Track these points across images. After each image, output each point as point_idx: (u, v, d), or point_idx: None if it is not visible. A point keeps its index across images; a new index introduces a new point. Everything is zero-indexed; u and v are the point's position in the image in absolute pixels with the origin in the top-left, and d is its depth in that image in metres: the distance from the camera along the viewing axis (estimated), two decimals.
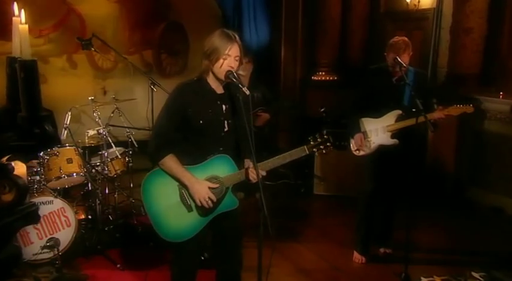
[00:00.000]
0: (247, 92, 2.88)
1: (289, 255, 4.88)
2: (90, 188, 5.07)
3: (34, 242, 4.43)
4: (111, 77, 8.03)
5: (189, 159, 3.02)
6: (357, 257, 4.74)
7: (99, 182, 5.23)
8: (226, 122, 3.06)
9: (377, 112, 4.52)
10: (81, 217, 5.21)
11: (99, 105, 5.21)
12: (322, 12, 8.10)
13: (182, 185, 3.00)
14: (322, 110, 6.91)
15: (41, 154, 4.74)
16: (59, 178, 4.78)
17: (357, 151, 4.62)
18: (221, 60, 2.92)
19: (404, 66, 4.24)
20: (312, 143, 3.13)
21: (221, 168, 3.04)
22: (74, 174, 4.85)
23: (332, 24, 8.06)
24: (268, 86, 6.56)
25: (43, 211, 4.45)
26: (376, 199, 4.63)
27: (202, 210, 3.02)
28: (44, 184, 4.64)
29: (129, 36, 8.19)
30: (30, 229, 4.41)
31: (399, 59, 4.24)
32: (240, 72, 6.12)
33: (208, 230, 3.21)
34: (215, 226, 3.18)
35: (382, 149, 4.51)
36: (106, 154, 5.09)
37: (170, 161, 2.98)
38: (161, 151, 2.99)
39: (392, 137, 4.48)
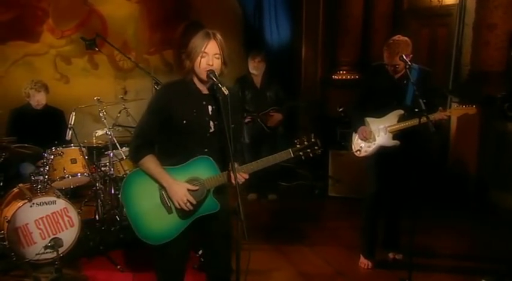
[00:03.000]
0: (226, 92, 2.79)
1: (293, 258, 4.78)
2: (98, 188, 5.08)
3: (37, 242, 4.46)
4: (132, 77, 8.06)
5: (174, 160, 2.96)
6: (363, 262, 4.60)
7: (107, 183, 5.25)
8: (211, 122, 2.97)
9: (379, 111, 4.37)
10: (90, 217, 5.24)
11: (106, 105, 5.21)
12: (343, 9, 7.88)
13: (161, 186, 2.94)
14: (341, 109, 6.77)
15: (46, 154, 4.79)
16: (63, 178, 4.83)
17: (358, 152, 4.50)
18: (199, 59, 2.85)
19: (410, 65, 4.07)
20: (298, 146, 3.02)
21: (202, 170, 2.95)
22: (78, 174, 4.89)
23: (354, 22, 7.85)
24: (282, 86, 6.46)
25: (46, 210, 4.51)
26: (380, 202, 4.49)
27: (182, 212, 2.94)
28: (48, 184, 4.67)
29: (150, 36, 8.21)
30: (33, 229, 4.46)
31: (404, 57, 4.08)
32: (253, 71, 6.19)
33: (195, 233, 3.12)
34: (202, 229, 3.10)
35: (383, 151, 4.37)
36: (112, 154, 5.09)
37: (149, 162, 2.92)
38: (140, 152, 2.94)
39: (394, 138, 4.32)
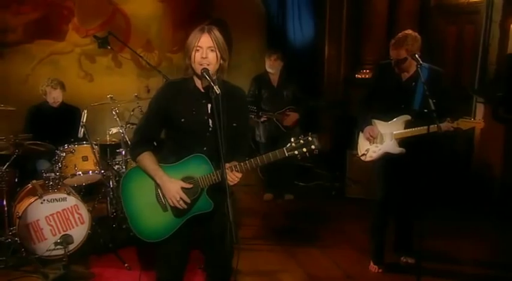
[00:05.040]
0: (218, 91, 2.74)
1: (303, 261, 4.71)
2: (112, 186, 5.12)
3: (48, 239, 4.54)
4: (155, 76, 7.99)
5: (174, 158, 2.97)
6: (373, 266, 4.50)
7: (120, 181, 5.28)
8: (211, 121, 2.95)
9: (385, 114, 4.24)
10: (103, 214, 5.27)
11: (119, 103, 5.25)
12: (367, 6, 7.71)
13: (156, 183, 2.94)
14: None
15: (58, 151, 4.85)
16: (74, 175, 4.87)
17: (363, 156, 4.38)
18: (193, 53, 2.84)
19: (421, 64, 3.92)
20: (293, 145, 2.91)
21: (197, 168, 2.93)
22: (90, 172, 4.92)
23: (378, 19, 7.66)
24: (299, 85, 6.38)
25: (57, 207, 4.57)
26: (387, 207, 4.38)
27: (177, 210, 2.94)
28: (60, 181, 4.72)
29: (173, 34, 8.26)
30: (44, 225, 4.53)
31: (417, 56, 3.95)
32: (270, 70, 6.13)
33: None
34: (199, 228, 3.08)
35: (389, 157, 4.24)
36: (124, 152, 5.11)
37: (145, 159, 2.94)
38: (138, 148, 2.98)
39: (400, 145, 4.18)
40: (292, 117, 6.17)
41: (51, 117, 5.46)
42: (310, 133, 2.97)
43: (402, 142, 4.17)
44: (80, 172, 4.90)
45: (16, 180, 5.06)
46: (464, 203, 5.99)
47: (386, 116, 4.23)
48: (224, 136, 2.76)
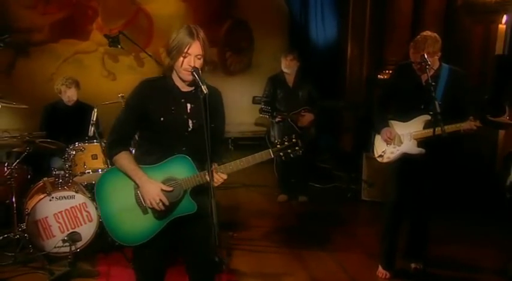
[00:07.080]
0: (206, 91, 2.70)
1: (308, 264, 4.62)
2: None
3: (56, 236, 4.58)
4: None
5: (152, 158, 2.90)
6: (381, 271, 4.37)
7: None
8: (190, 121, 2.91)
9: (404, 114, 4.14)
10: None
11: None
12: (391, 5, 7.52)
13: (135, 184, 2.87)
14: None
15: (68, 149, 4.90)
16: (83, 173, 4.91)
17: (380, 158, 4.27)
18: (181, 59, 2.79)
19: (429, 65, 3.81)
20: (278, 146, 2.92)
21: (180, 169, 2.87)
22: (99, 170, 4.95)
23: (402, 19, 7.47)
24: (316, 85, 6.30)
25: (65, 205, 4.62)
26: (400, 211, 4.25)
27: (158, 213, 2.87)
28: (70, 179, 4.77)
29: None
30: (52, 222, 4.58)
31: (426, 57, 3.84)
32: (285, 70, 6.07)
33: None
34: (181, 231, 3.00)
35: (407, 158, 4.12)
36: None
37: (123, 158, 2.87)
38: (114, 147, 2.90)
39: (419, 145, 4.06)
40: (307, 117, 6.09)
41: (65, 116, 5.51)
42: (294, 135, 2.97)
43: (421, 142, 4.07)
44: (89, 170, 4.93)
45: (29, 177, 5.13)
46: (484, 209, 5.79)
47: (405, 117, 4.14)
48: (203, 136, 2.71)
